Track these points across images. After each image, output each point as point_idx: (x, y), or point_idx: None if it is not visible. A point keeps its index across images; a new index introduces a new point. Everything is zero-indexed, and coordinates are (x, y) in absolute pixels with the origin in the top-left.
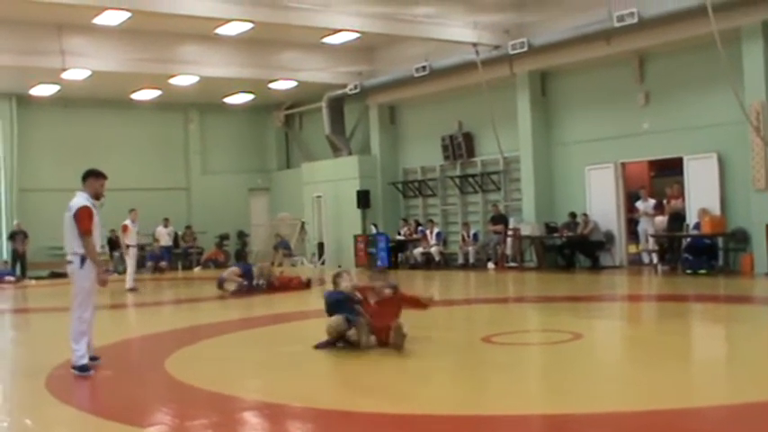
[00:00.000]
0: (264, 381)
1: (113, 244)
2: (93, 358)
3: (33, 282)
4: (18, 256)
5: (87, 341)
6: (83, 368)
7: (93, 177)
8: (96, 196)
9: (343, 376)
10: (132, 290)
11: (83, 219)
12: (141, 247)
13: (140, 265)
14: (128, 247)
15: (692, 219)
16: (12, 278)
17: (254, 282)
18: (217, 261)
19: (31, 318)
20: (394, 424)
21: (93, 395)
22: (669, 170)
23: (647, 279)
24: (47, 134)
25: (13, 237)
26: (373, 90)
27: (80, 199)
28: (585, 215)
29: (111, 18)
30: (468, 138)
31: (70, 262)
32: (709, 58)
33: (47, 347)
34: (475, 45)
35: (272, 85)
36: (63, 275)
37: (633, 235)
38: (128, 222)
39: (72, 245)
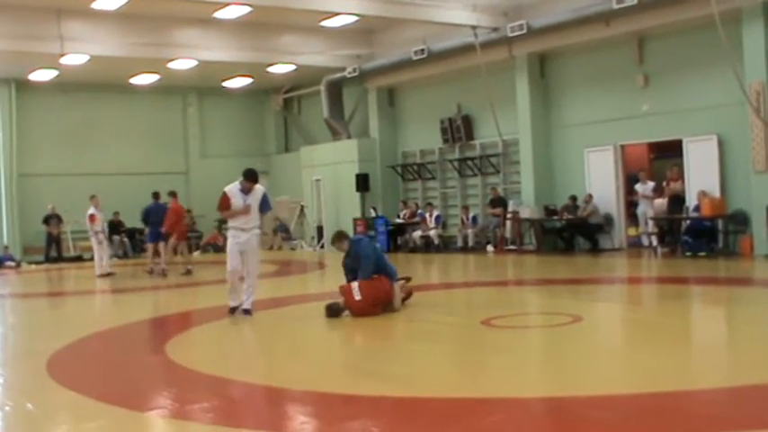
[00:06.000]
0: (265, 364)
1: (115, 227)
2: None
3: (33, 266)
4: (53, 240)
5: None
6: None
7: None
8: None
9: (343, 360)
10: (107, 275)
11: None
12: (140, 231)
13: (140, 249)
14: (96, 233)
15: (691, 201)
16: (12, 263)
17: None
18: (216, 245)
19: (32, 303)
20: (395, 407)
21: (94, 379)
22: (669, 152)
23: (647, 262)
24: (46, 119)
25: (47, 220)
26: (372, 73)
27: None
28: (590, 195)
29: (110, 2)
30: (467, 120)
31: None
32: (709, 39)
33: (47, 332)
34: (473, 28)
35: (271, 69)
36: (63, 260)
37: (632, 218)
38: (93, 210)
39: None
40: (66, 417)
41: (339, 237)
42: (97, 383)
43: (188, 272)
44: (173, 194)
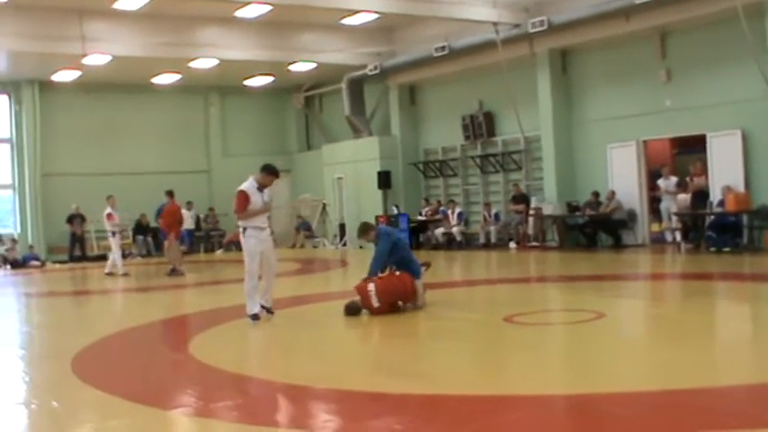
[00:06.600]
0: (289, 362)
1: (141, 227)
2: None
3: (58, 266)
4: (76, 239)
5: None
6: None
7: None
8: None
9: (367, 358)
10: (108, 274)
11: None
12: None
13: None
14: (114, 234)
15: (715, 196)
16: (36, 263)
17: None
18: (238, 243)
19: (56, 301)
20: (419, 405)
21: (118, 377)
22: (692, 147)
23: (670, 257)
24: (69, 119)
25: (71, 220)
26: (393, 71)
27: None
28: (613, 192)
29: (132, 2)
30: (489, 117)
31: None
32: (732, 33)
33: (72, 330)
34: (495, 24)
35: (292, 68)
36: (87, 259)
37: (656, 213)
38: (109, 210)
39: None
40: (92, 415)
41: (365, 229)
42: (122, 382)
43: (173, 271)
44: (170, 194)
